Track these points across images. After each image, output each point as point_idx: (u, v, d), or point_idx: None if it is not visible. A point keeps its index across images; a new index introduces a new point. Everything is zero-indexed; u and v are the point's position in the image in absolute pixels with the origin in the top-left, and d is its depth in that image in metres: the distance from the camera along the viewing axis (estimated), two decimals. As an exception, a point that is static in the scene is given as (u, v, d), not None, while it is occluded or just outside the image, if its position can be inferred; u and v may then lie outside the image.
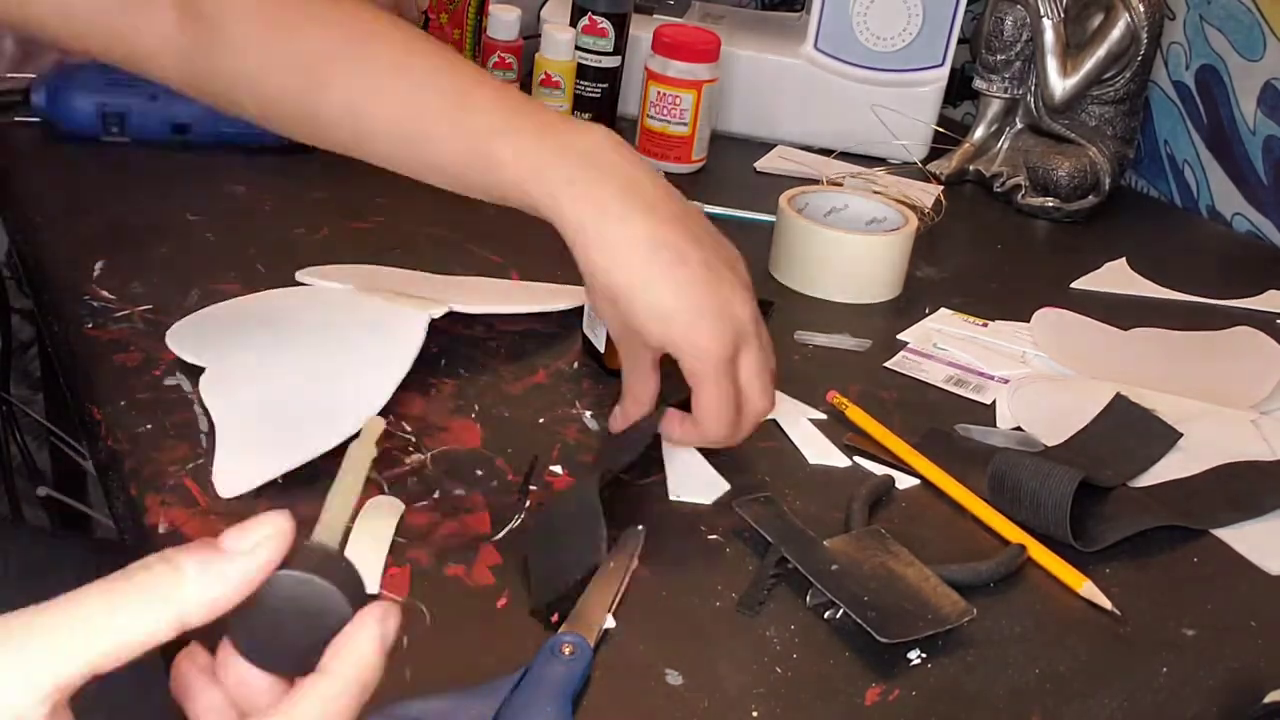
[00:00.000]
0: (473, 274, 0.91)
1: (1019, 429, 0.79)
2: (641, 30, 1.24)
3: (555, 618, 0.57)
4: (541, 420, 0.73)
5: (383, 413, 0.69)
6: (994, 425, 0.80)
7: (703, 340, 0.59)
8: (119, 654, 0.34)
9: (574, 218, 0.60)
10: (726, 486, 0.69)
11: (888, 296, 0.97)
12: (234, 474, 0.63)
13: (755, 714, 0.53)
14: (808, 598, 0.60)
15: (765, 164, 1.25)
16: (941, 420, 0.79)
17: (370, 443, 0.44)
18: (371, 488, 0.64)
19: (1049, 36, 1.20)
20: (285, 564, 0.37)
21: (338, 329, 0.74)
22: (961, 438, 0.77)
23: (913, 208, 1.04)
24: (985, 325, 0.93)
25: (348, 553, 0.59)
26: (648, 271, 0.59)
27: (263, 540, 0.36)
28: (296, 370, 0.70)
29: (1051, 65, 1.20)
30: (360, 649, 0.36)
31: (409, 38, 0.65)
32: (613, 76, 1.21)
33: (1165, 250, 1.16)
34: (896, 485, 0.71)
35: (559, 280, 0.90)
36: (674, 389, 0.65)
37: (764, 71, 1.29)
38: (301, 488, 0.63)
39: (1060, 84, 1.20)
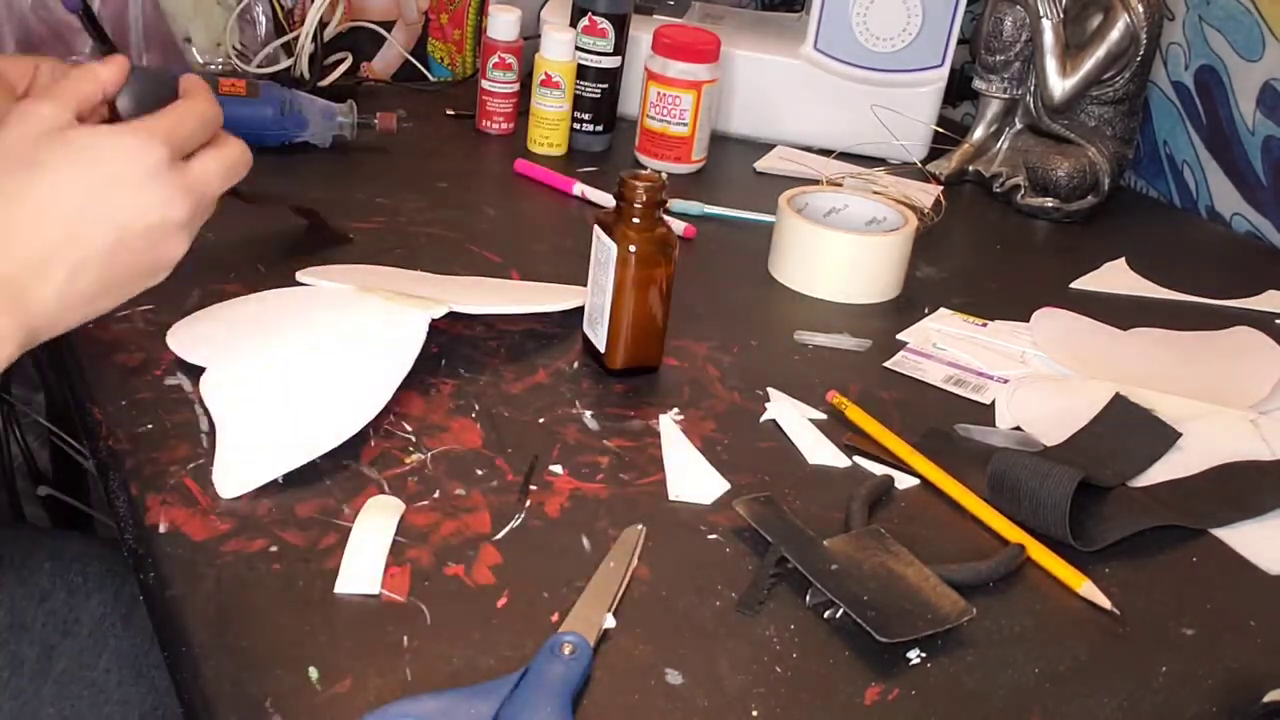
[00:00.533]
0: (473, 274, 0.91)
1: (1018, 429, 0.80)
2: (641, 31, 1.24)
3: (555, 617, 0.57)
4: (542, 420, 0.73)
5: (383, 412, 0.69)
6: (993, 425, 0.80)
7: None
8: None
9: None
10: (726, 486, 0.69)
11: (887, 296, 0.97)
12: (234, 474, 0.63)
13: (755, 713, 0.53)
14: (807, 597, 0.60)
15: (765, 164, 1.25)
16: (941, 420, 0.79)
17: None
18: (371, 487, 0.64)
19: (1048, 37, 1.20)
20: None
21: (338, 329, 0.74)
22: (961, 437, 0.78)
23: (912, 208, 1.04)
24: (985, 325, 0.93)
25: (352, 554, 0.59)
26: None
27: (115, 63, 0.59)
28: (297, 370, 0.70)
29: (1051, 66, 1.20)
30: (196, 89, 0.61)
31: None
32: (613, 77, 1.21)
33: (1164, 250, 1.16)
34: (896, 485, 0.72)
35: (559, 280, 0.90)
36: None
37: (764, 72, 1.29)
38: (302, 487, 0.63)
39: (1059, 84, 1.20)
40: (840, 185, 1.09)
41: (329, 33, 1.26)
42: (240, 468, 0.63)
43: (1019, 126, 1.28)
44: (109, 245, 0.54)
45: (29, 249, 0.53)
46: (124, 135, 0.55)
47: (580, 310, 0.82)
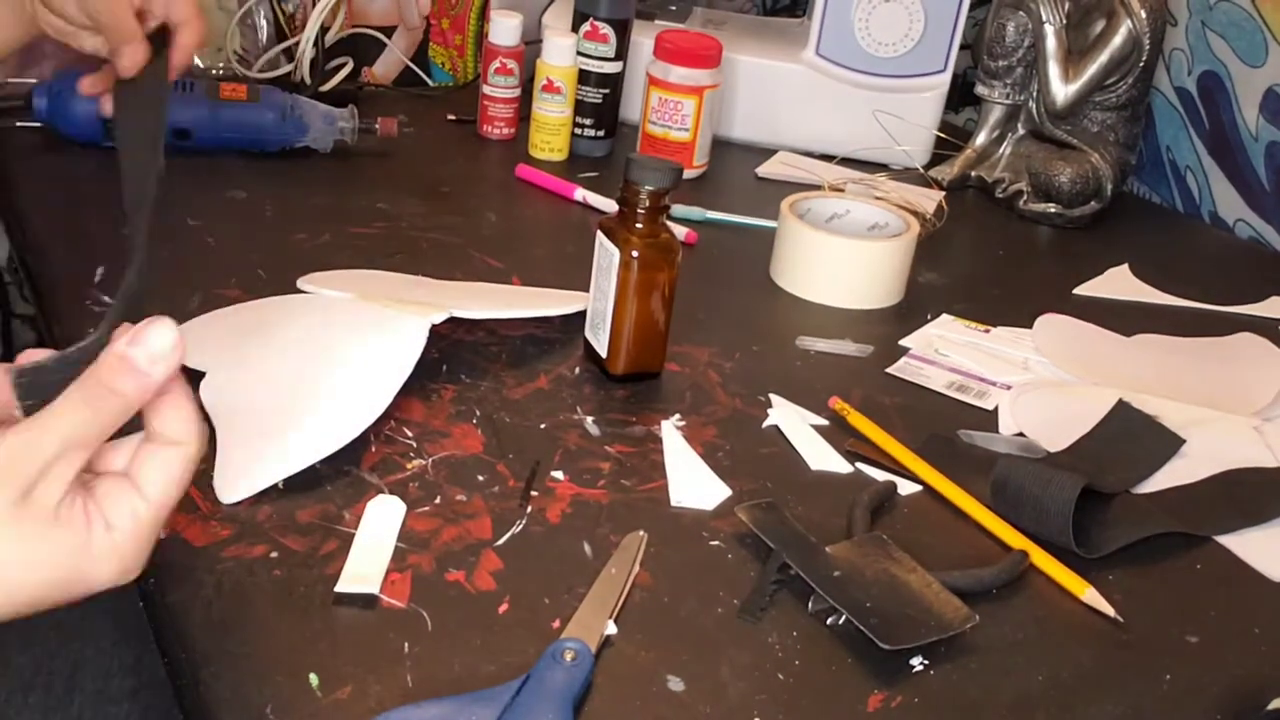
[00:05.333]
0: (474, 279, 0.91)
1: (1021, 435, 0.79)
2: (643, 36, 1.24)
3: (557, 623, 0.56)
4: (543, 426, 0.73)
5: (384, 418, 0.69)
6: (996, 431, 0.80)
7: None
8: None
9: None
10: (728, 492, 0.69)
11: (890, 302, 0.97)
12: (235, 479, 0.63)
13: (757, 721, 0.53)
14: (810, 604, 0.60)
15: (767, 170, 1.25)
16: (944, 426, 0.79)
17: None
18: (372, 493, 0.64)
19: (1051, 42, 1.20)
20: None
21: (338, 335, 0.74)
22: (964, 444, 0.77)
23: (914, 213, 1.04)
24: (987, 331, 0.93)
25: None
26: None
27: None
28: (297, 376, 0.70)
29: (1053, 71, 1.20)
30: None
31: None
32: (614, 82, 1.21)
33: (1168, 256, 1.16)
34: (899, 491, 0.71)
35: (561, 285, 0.90)
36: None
37: (765, 77, 1.29)
38: (302, 493, 0.63)
39: (1062, 90, 1.20)
40: (842, 191, 1.09)
41: (330, 38, 1.26)
42: (241, 473, 0.63)
43: (1021, 132, 1.28)
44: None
45: None
46: None
47: (582, 315, 0.82)
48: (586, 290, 0.80)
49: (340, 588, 0.57)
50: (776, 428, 0.76)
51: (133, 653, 0.78)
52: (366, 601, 0.56)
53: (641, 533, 0.64)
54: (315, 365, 0.71)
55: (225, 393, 0.69)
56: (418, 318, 0.74)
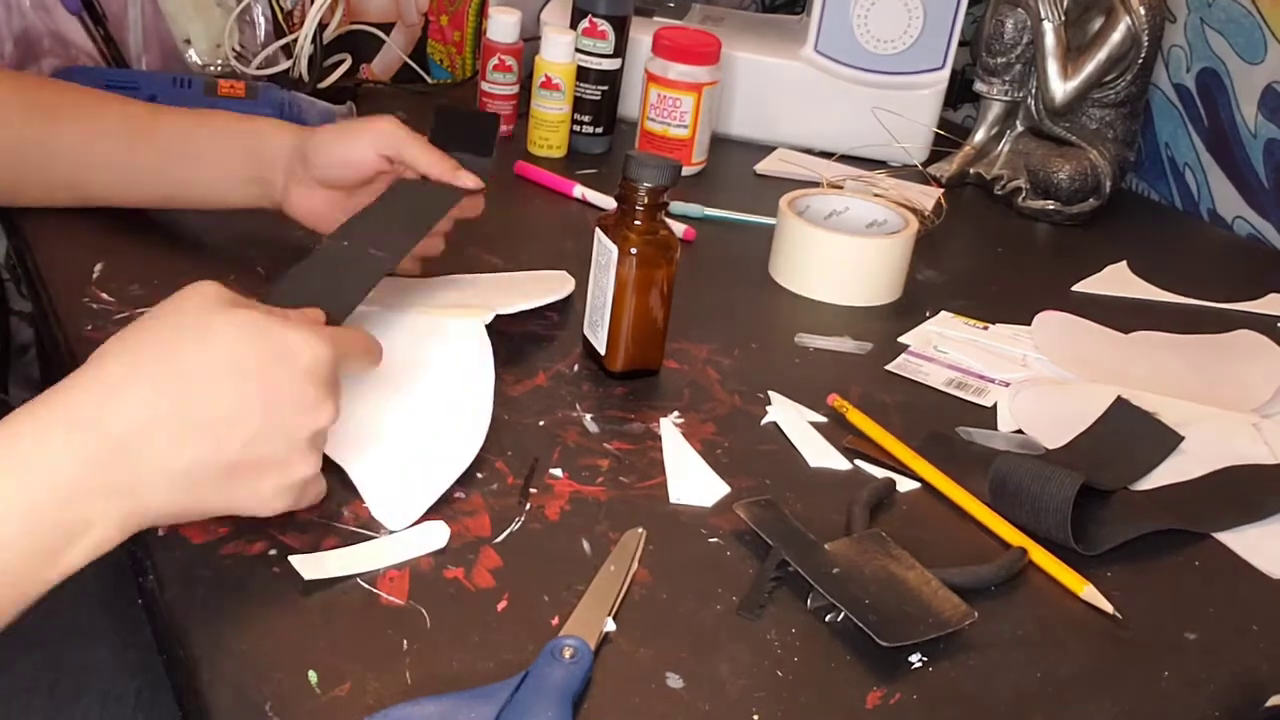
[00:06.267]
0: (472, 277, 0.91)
1: (1020, 432, 0.79)
2: (642, 33, 1.24)
3: (556, 620, 0.57)
4: (542, 423, 0.73)
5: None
6: (995, 428, 0.80)
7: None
8: None
9: None
10: (727, 489, 0.69)
11: (888, 299, 0.97)
12: (396, 508, 0.62)
13: (756, 717, 0.53)
14: (808, 601, 0.60)
15: (765, 166, 1.25)
16: (942, 423, 0.79)
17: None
18: (371, 490, 0.64)
19: (1049, 39, 1.20)
20: None
21: (410, 351, 0.72)
22: (962, 441, 0.77)
23: (913, 210, 1.04)
24: (986, 328, 0.93)
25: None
26: None
27: None
28: (397, 398, 0.69)
29: (1052, 68, 1.20)
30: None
31: None
32: (613, 79, 1.21)
33: (1166, 253, 1.16)
34: (897, 488, 0.71)
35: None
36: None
37: (764, 74, 1.29)
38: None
39: (1061, 87, 1.20)
40: (841, 188, 1.09)
41: (328, 34, 1.26)
42: (400, 501, 0.62)
43: (1020, 129, 1.28)
44: (250, 432, 0.53)
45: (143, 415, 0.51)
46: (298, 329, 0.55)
47: (581, 312, 0.82)
48: (584, 287, 0.80)
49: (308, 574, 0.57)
50: (775, 425, 0.76)
51: (139, 654, 0.78)
52: (366, 598, 0.56)
53: (640, 530, 0.64)
54: (409, 384, 0.70)
55: (339, 428, 0.64)
56: (472, 320, 0.74)
